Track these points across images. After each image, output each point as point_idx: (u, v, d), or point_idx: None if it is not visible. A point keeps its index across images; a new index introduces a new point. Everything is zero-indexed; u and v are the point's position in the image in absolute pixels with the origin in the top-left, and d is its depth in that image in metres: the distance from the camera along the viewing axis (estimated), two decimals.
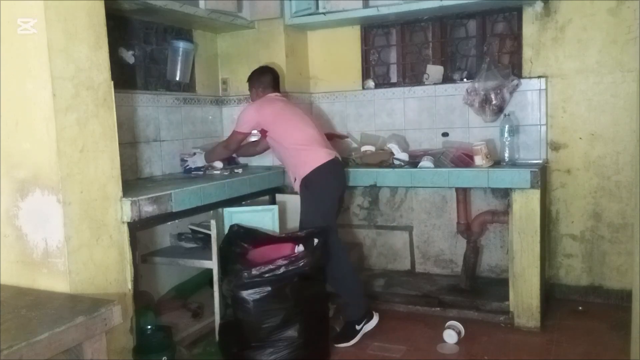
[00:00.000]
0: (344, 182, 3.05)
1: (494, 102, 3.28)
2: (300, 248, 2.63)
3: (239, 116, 3.05)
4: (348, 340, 2.83)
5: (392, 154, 3.32)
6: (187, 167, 3.23)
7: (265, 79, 3.15)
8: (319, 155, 2.87)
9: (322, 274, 2.76)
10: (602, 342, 2.78)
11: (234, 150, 3.20)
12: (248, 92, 3.69)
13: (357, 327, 2.86)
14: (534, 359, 2.69)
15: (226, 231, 2.77)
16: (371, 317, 2.92)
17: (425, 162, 3.14)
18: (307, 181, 2.84)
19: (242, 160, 3.60)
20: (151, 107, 3.20)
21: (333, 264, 2.81)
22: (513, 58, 3.43)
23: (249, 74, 3.23)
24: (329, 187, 2.89)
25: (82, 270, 2.02)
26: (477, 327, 2.99)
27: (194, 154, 3.28)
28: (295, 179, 2.92)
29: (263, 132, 3.03)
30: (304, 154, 2.87)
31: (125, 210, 2.20)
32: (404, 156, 3.27)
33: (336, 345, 2.81)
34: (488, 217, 3.35)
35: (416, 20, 3.63)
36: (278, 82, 3.21)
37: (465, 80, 3.50)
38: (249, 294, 2.45)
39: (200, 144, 3.61)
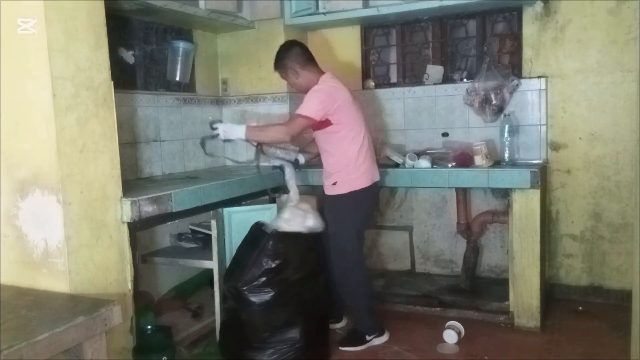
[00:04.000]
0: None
1: (494, 102, 3.28)
2: None
3: (308, 98, 2.61)
4: (354, 346, 2.81)
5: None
6: (218, 137, 2.59)
7: (304, 54, 2.75)
8: (373, 174, 2.80)
9: (324, 276, 2.76)
10: (602, 342, 2.78)
11: (294, 138, 2.64)
12: (248, 94, 3.73)
13: (367, 338, 2.83)
14: (534, 359, 2.69)
15: (227, 229, 2.78)
16: (382, 333, 2.88)
17: (422, 162, 3.13)
18: (355, 195, 2.71)
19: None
20: (151, 107, 3.20)
21: (348, 276, 2.79)
22: (513, 58, 3.43)
23: (276, 56, 2.79)
24: (370, 205, 2.88)
25: (82, 270, 2.02)
26: (477, 327, 2.99)
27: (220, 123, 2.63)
28: (336, 183, 2.75)
29: (321, 124, 2.66)
30: (362, 168, 2.72)
31: (125, 210, 2.20)
32: (407, 156, 3.24)
33: (341, 348, 2.79)
34: (488, 217, 3.35)
35: (416, 20, 3.63)
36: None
37: (465, 80, 3.50)
38: (254, 295, 2.46)
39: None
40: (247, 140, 2.62)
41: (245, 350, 2.50)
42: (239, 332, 2.52)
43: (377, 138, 3.62)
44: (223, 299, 2.68)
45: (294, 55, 2.73)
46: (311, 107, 2.58)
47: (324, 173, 2.84)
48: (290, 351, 2.47)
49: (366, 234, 3.14)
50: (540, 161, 3.28)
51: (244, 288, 2.47)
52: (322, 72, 2.78)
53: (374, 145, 2.95)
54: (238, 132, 2.55)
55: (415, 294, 3.38)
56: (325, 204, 2.83)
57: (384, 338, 2.87)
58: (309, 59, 2.76)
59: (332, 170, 2.78)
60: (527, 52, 3.35)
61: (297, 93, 3.67)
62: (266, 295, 2.46)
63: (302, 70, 2.72)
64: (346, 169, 2.73)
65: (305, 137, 2.98)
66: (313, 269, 2.66)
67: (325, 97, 2.60)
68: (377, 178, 2.84)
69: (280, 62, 2.75)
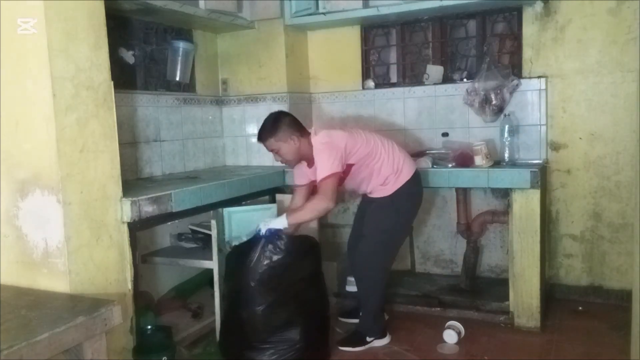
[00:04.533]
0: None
1: (494, 102, 3.28)
2: None
3: (322, 159, 2.54)
4: (354, 346, 2.79)
5: None
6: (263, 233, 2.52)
7: (293, 122, 2.68)
8: (410, 166, 2.75)
9: (323, 276, 2.75)
10: (602, 342, 2.78)
11: (335, 200, 2.56)
12: (248, 94, 3.73)
13: (368, 339, 2.81)
14: (534, 359, 2.68)
15: (227, 228, 2.78)
16: (384, 336, 2.85)
17: (422, 162, 3.14)
18: (398, 196, 2.67)
19: None
20: (151, 107, 3.20)
21: (370, 279, 2.77)
22: (513, 58, 3.43)
23: (267, 128, 2.64)
24: (416, 201, 2.82)
25: (82, 270, 2.02)
26: (477, 327, 2.99)
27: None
28: (372, 192, 2.74)
29: (345, 172, 2.63)
30: (397, 163, 2.68)
31: (125, 210, 2.20)
32: None
33: (340, 348, 2.79)
34: (488, 217, 3.34)
35: (416, 20, 3.63)
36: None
37: (465, 80, 3.50)
38: (254, 294, 2.46)
39: (200, 144, 3.61)
40: (287, 226, 2.56)
41: (246, 350, 2.50)
42: (239, 331, 2.52)
43: None
44: (223, 298, 2.68)
45: (296, 124, 2.68)
46: (329, 162, 2.53)
47: (370, 187, 2.75)
48: (291, 351, 2.47)
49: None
50: (540, 161, 3.28)
51: (245, 287, 2.47)
52: (307, 132, 2.69)
53: None
54: (280, 222, 2.54)
55: (415, 294, 3.38)
56: (373, 206, 2.76)
57: (385, 340, 2.85)
58: (301, 125, 2.70)
59: (379, 182, 2.72)
60: (527, 52, 3.35)
61: (295, 93, 3.71)
62: (267, 295, 2.46)
63: (300, 136, 2.63)
64: (389, 178, 2.70)
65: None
66: (315, 270, 2.66)
67: (333, 150, 2.55)
68: (413, 170, 2.77)
69: (284, 129, 2.61)
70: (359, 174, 2.71)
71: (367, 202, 2.86)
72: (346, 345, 2.81)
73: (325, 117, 3.89)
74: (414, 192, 2.80)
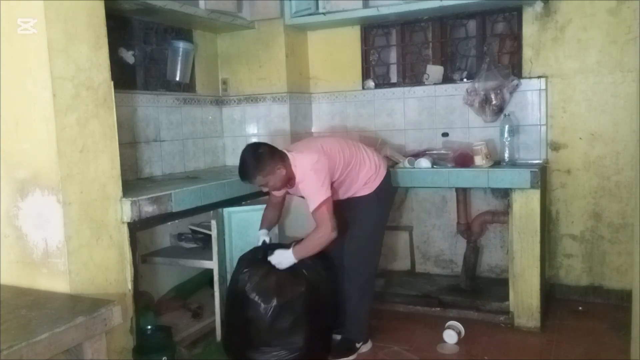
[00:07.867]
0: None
1: (494, 102, 3.28)
2: None
3: (310, 189, 2.47)
4: (346, 356, 2.72)
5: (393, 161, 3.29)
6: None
7: (273, 151, 2.54)
8: (384, 162, 2.84)
9: (334, 286, 2.72)
10: (602, 342, 2.78)
11: (336, 228, 2.49)
12: (248, 94, 3.73)
13: (357, 345, 2.77)
14: (534, 359, 2.69)
15: (228, 229, 2.78)
16: (367, 341, 2.82)
17: (422, 162, 3.14)
18: (380, 191, 2.70)
19: None
20: (151, 107, 3.20)
21: (364, 279, 2.74)
22: (513, 58, 3.43)
23: (251, 166, 2.49)
24: (393, 194, 2.93)
25: (82, 270, 2.02)
26: (477, 327, 2.99)
27: (270, 249, 2.64)
28: (366, 183, 2.70)
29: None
30: (375, 162, 2.72)
31: (125, 210, 2.20)
32: (406, 161, 3.24)
33: None
34: (488, 217, 3.35)
35: (416, 20, 3.63)
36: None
37: (465, 80, 3.49)
38: (261, 298, 2.47)
39: (200, 144, 3.61)
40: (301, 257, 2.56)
41: (248, 351, 2.50)
42: (243, 331, 2.52)
43: (377, 138, 3.64)
44: (227, 297, 2.67)
45: (272, 153, 2.52)
46: (319, 190, 2.46)
47: (353, 191, 2.72)
48: (293, 356, 2.47)
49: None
50: (540, 161, 3.28)
51: (253, 290, 2.48)
52: (286, 155, 2.55)
53: (374, 145, 2.96)
54: (288, 259, 2.53)
55: (415, 294, 3.38)
56: (356, 208, 2.72)
57: (369, 345, 2.82)
58: (279, 150, 2.57)
59: (361, 184, 2.71)
60: (527, 52, 3.35)
61: (295, 93, 3.71)
62: (274, 300, 2.46)
63: (283, 164, 2.50)
64: (370, 178, 2.70)
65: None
66: (323, 278, 2.63)
67: (319, 174, 2.49)
68: (385, 166, 2.83)
69: (267, 163, 2.47)
70: (341, 184, 2.68)
71: (348, 203, 2.73)
72: (337, 356, 2.72)
73: (325, 117, 3.89)
74: (390, 187, 2.85)
